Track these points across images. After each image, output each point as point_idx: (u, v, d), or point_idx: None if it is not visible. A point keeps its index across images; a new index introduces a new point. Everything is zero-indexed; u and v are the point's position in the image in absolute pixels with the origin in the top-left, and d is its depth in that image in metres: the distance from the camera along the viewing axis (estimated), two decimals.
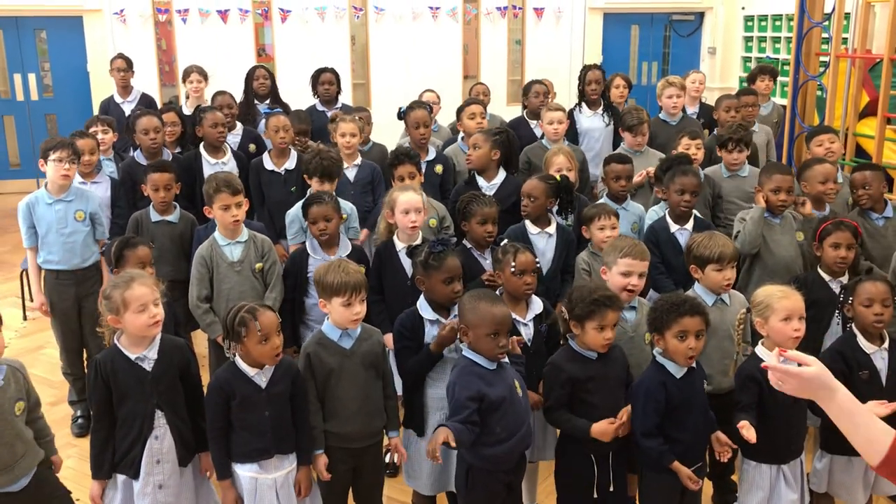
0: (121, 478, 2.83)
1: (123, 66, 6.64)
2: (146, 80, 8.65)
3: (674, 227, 3.98)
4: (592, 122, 5.77)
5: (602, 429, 2.81)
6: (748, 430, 2.75)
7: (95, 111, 7.51)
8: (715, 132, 5.48)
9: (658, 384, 2.82)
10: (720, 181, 4.71)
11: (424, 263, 3.04)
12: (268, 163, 4.89)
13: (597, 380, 2.86)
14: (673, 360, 2.82)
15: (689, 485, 2.80)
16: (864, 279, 3.14)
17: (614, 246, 3.27)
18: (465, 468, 2.82)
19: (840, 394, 1.78)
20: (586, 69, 5.87)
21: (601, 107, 5.80)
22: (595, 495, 2.88)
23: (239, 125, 5.62)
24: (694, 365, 2.88)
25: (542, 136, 5.20)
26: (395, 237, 3.74)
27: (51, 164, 4.05)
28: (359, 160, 4.78)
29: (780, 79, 8.81)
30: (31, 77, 9.61)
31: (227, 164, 4.95)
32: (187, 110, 6.25)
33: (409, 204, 3.66)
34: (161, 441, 2.80)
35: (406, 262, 3.59)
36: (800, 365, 1.81)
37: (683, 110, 5.78)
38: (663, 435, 2.82)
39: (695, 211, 4.05)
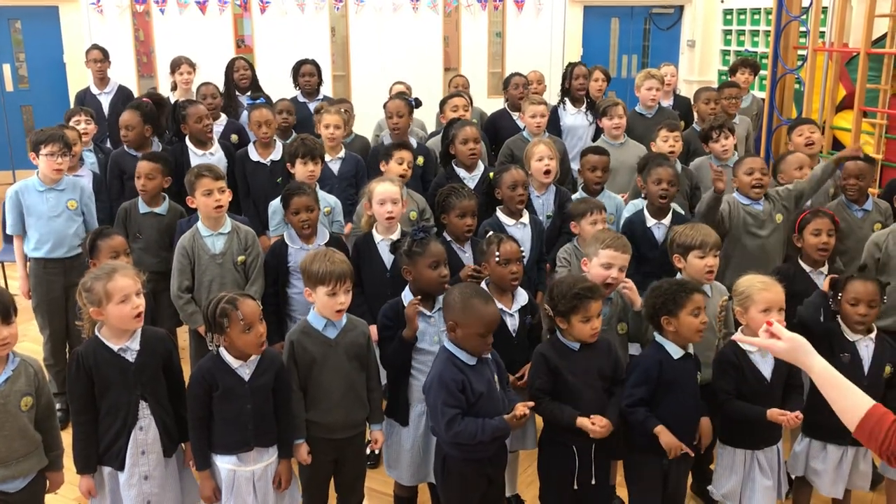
0: (106, 470, 2.81)
1: (100, 57, 6.53)
2: (123, 72, 8.53)
3: (650, 222, 3.99)
4: (576, 119, 5.80)
5: (587, 425, 2.79)
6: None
7: (72, 102, 7.41)
8: (694, 125, 5.51)
9: (655, 361, 2.88)
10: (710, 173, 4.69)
11: (408, 252, 3.03)
12: (253, 154, 4.87)
13: (580, 370, 2.87)
14: (683, 339, 2.88)
15: (671, 450, 2.81)
16: (856, 276, 3.13)
17: (597, 237, 3.28)
18: (441, 457, 2.84)
19: (817, 364, 1.98)
20: (572, 66, 5.90)
21: (584, 104, 5.82)
22: (575, 486, 2.90)
23: (223, 116, 5.58)
24: (692, 352, 2.94)
25: (524, 129, 5.20)
26: (374, 229, 3.74)
27: (42, 159, 4.04)
28: (343, 153, 4.77)
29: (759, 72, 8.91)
30: (7, 68, 9.45)
31: (215, 156, 4.91)
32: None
33: (385, 195, 3.66)
34: (146, 432, 2.79)
35: (385, 255, 3.60)
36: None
37: (659, 103, 5.81)
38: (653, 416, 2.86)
39: (674, 205, 4.06)
